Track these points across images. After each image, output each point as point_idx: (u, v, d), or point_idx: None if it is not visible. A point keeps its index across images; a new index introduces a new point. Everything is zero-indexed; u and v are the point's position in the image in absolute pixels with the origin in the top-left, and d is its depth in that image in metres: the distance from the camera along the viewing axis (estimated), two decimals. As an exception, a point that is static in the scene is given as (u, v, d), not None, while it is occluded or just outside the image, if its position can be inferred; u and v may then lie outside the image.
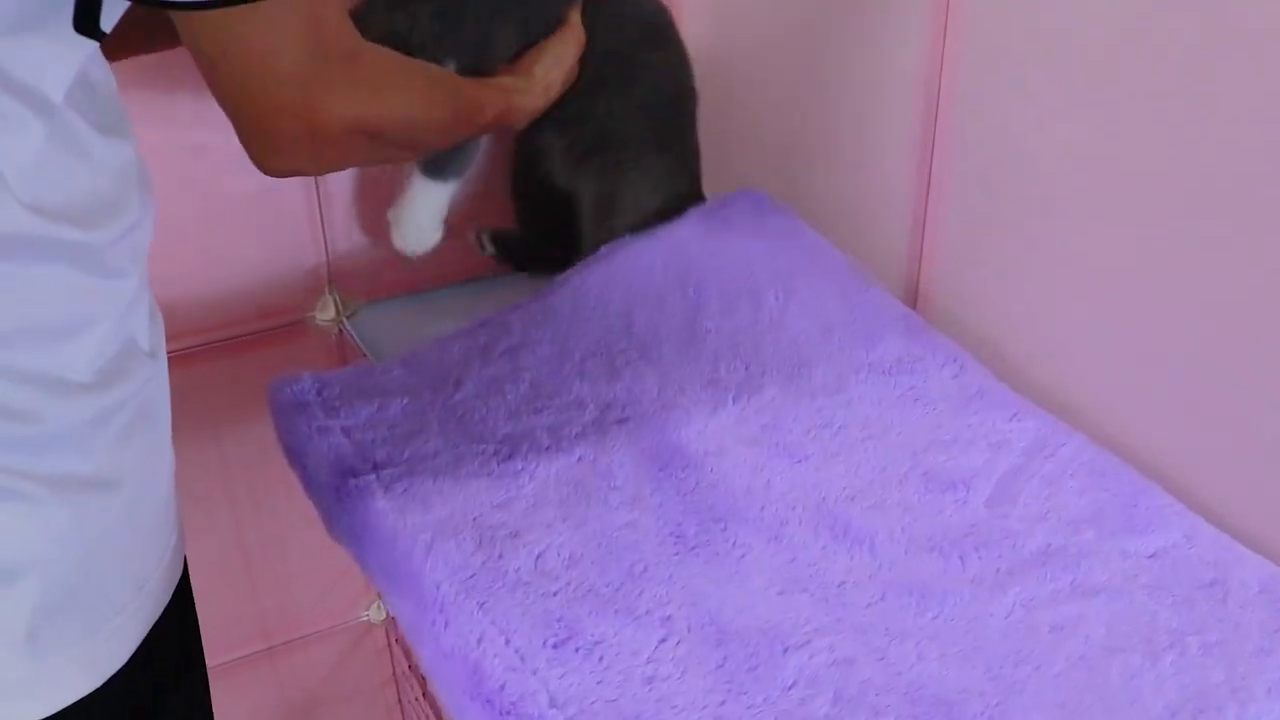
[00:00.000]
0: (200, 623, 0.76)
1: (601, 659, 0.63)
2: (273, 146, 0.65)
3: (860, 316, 0.92)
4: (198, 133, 0.97)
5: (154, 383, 0.65)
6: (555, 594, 0.67)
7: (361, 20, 0.70)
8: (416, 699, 1.24)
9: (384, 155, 0.75)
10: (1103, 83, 0.78)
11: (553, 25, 0.90)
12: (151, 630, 0.64)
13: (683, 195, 1.02)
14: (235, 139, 0.88)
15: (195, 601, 0.75)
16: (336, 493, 0.73)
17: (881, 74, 0.96)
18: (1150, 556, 0.74)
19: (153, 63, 0.83)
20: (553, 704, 0.60)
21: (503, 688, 0.60)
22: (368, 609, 1.35)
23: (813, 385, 0.88)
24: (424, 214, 0.94)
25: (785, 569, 0.72)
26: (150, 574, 0.64)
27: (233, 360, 1.12)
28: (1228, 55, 0.70)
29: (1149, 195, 0.78)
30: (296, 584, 1.28)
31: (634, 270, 0.96)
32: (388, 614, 1.32)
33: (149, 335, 0.65)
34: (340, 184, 1.08)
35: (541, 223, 1.07)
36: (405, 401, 0.81)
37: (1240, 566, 0.73)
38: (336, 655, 1.37)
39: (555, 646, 0.63)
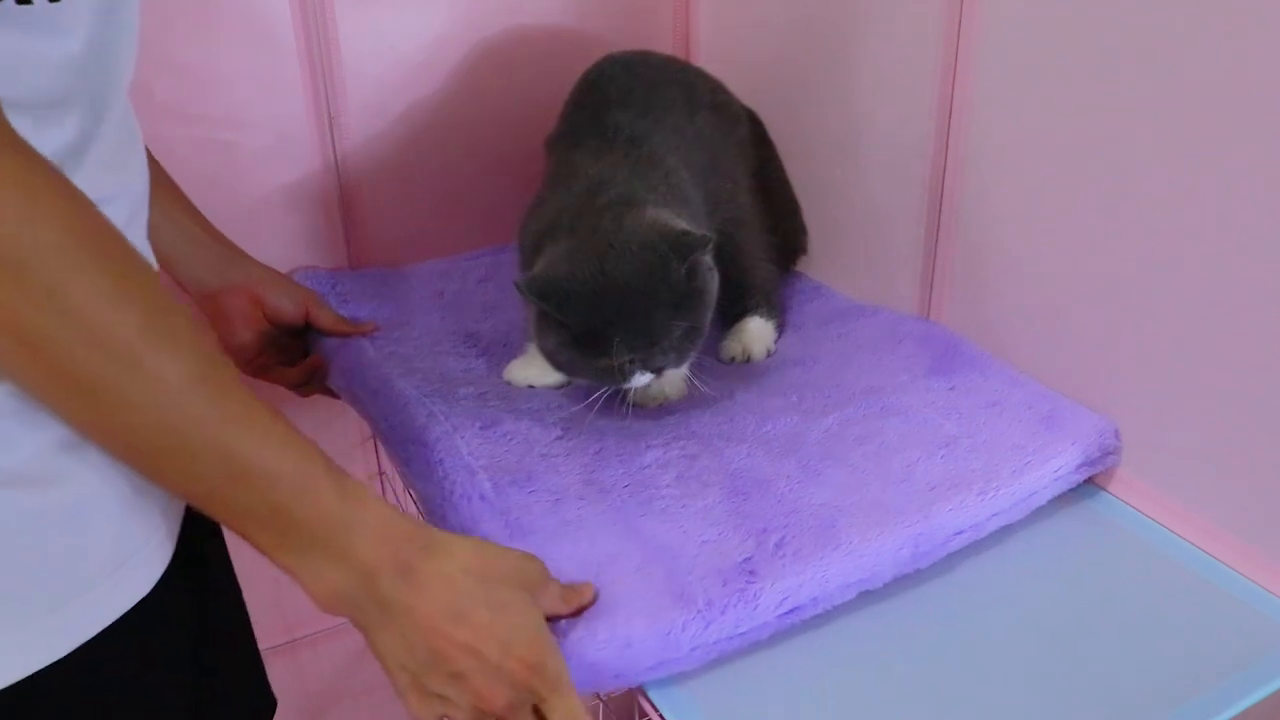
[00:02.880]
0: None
1: (510, 440, 0.89)
2: None
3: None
4: (226, 131, 1.07)
5: None
6: (489, 407, 0.93)
7: None
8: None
9: None
10: (1100, 125, 0.84)
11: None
12: (101, 636, 0.59)
13: None
14: (261, 139, 1.03)
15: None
16: (339, 348, 1.01)
17: (894, 119, 1.04)
18: (950, 389, 0.96)
19: (182, 59, 0.99)
20: (469, 454, 0.86)
21: (438, 440, 0.87)
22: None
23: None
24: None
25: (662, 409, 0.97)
26: (95, 579, 0.59)
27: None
28: (1234, 99, 0.74)
29: (1130, 234, 0.84)
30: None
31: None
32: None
33: None
34: (367, 188, 1.17)
35: None
36: (400, 302, 1.09)
37: (1018, 390, 0.95)
38: (358, 649, 1.36)
39: (481, 428, 0.89)
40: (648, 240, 0.85)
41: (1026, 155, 0.92)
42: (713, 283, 0.90)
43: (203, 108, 1.05)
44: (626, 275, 0.84)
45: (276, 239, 1.15)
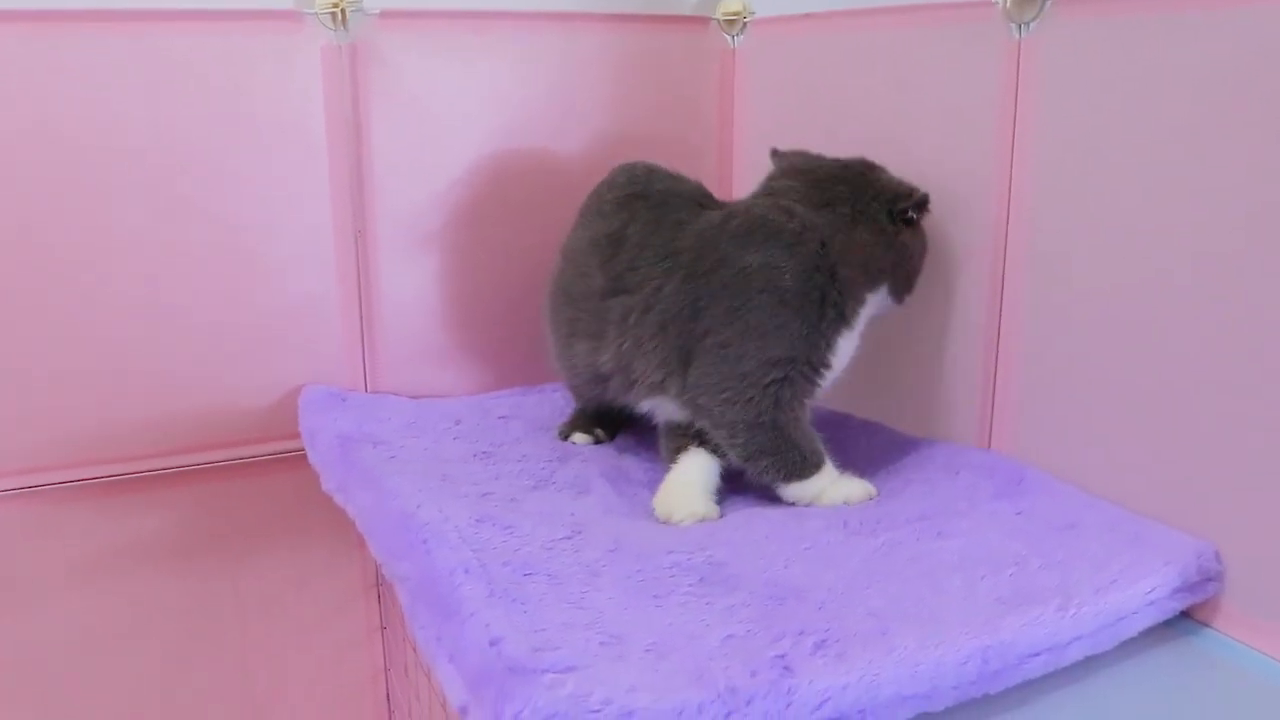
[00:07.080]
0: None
1: (510, 531, 0.78)
2: None
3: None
4: (249, 236, 1.03)
5: None
6: (491, 505, 0.83)
7: None
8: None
9: None
10: (1166, 235, 0.79)
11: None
12: None
13: None
14: (285, 248, 1.00)
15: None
16: (340, 453, 0.92)
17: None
18: (1017, 514, 0.84)
19: (208, 157, 0.98)
20: (460, 538, 0.75)
21: (425, 524, 0.77)
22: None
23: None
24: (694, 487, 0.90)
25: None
26: None
27: (262, 479, 1.12)
28: None
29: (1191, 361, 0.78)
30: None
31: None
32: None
33: None
34: (389, 308, 1.12)
35: None
36: (410, 420, 1.01)
37: (1097, 513, 0.83)
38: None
39: (477, 521, 0.79)
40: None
41: (1090, 272, 0.85)
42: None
43: (226, 210, 1.02)
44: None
45: (291, 353, 1.09)
